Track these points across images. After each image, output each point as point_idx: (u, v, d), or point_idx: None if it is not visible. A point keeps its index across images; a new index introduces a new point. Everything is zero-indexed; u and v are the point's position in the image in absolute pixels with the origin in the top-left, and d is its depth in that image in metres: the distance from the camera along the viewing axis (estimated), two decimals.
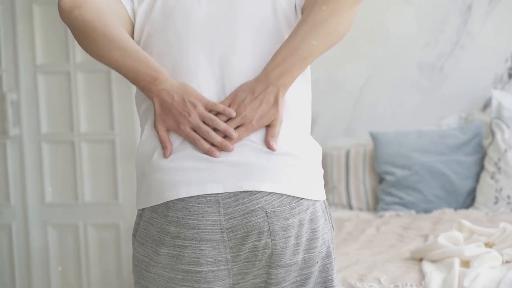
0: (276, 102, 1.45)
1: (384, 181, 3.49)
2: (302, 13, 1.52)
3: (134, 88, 3.77)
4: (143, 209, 1.51)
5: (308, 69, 1.55)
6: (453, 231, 2.64)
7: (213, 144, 1.45)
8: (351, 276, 2.43)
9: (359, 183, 3.60)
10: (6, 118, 3.62)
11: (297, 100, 1.52)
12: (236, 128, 1.45)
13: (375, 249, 2.81)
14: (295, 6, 1.52)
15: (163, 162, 1.47)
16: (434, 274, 2.36)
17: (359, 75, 3.81)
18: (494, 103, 3.49)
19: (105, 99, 3.57)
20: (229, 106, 1.46)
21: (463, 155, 3.46)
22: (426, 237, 2.94)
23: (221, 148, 1.44)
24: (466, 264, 2.43)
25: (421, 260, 2.56)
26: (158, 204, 1.47)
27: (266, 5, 1.51)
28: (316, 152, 1.53)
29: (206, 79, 1.49)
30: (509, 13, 3.66)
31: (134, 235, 1.54)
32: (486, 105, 3.67)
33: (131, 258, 3.57)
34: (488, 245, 2.59)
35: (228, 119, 1.46)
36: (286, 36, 1.49)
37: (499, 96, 3.50)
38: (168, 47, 1.51)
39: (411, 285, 2.35)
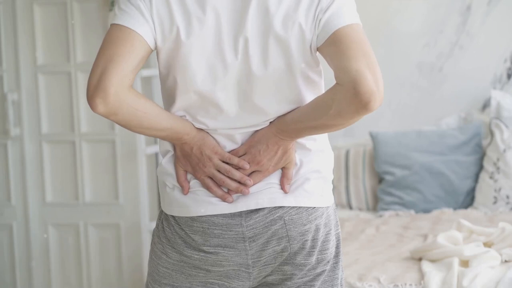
0: (287, 150, 1.56)
1: (384, 181, 3.50)
2: (317, 50, 1.53)
3: (134, 88, 3.76)
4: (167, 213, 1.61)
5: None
6: (452, 231, 2.64)
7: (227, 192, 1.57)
8: (351, 276, 2.44)
9: (359, 183, 3.60)
10: (7, 118, 3.62)
11: None
12: (252, 173, 1.57)
13: (374, 249, 2.81)
14: (311, 47, 1.52)
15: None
16: (433, 274, 2.36)
17: None
18: (493, 103, 3.49)
19: None
20: (244, 154, 1.57)
21: (462, 155, 3.47)
22: (425, 236, 2.94)
23: (238, 191, 1.55)
24: (465, 263, 2.44)
25: (420, 259, 2.57)
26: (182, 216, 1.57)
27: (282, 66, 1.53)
28: (329, 164, 1.63)
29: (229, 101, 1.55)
30: (508, 13, 3.66)
31: (155, 231, 1.62)
32: (485, 105, 3.68)
33: (131, 258, 3.58)
34: (487, 244, 2.60)
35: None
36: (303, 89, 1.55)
37: (498, 96, 3.50)
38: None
39: (411, 285, 2.36)
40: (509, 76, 3.67)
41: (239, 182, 1.55)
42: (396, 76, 3.78)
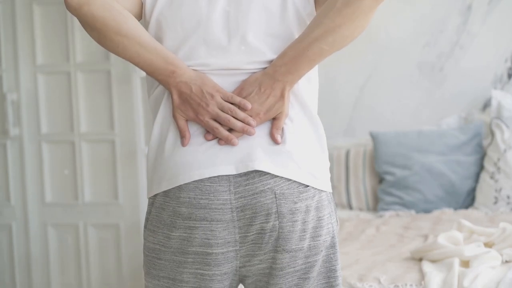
0: (282, 97, 1.49)
1: (384, 181, 3.50)
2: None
3: (134, 88, 3.76)
4: (155, 195, 1.54)
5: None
6: (453, 231, 2.64)
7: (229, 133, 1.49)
8: (351, 276, 2.44)
9: (359, 183, 3.60)
10: (6, 118, 3.62)
11: (306, 92, 1.56)
12: None
13: (375, 249, 2.81)
14: None
15: (177, 147, 1.50)
16: (434, 274, 2.36)
17: (359, 75, 3.81)
18: (493, 103, 3.49)
19: (105, 99, 3.57)
20: None
21: (463, 155, 3.46)
22: (426, 237, 2.94)
23: (243, 132, 1.48)
24: (466, 264, 2.43)
25: (421, 260, 2.56)
26: (171, 188, 1.50)
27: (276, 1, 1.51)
28: (324, 148, 1.57)
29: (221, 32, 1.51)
30: (509, 13, 3.66)
31: (145, 226, 1.57)
32: (486, 105, 3.67)
33: (131, 258, 3.58)
34: (487, 245, 2.60)
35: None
36: (294, 31, 1.51)
37: (498, 96, 3.50)
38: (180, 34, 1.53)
39: (411, 285, 2.35)
40: (509, 76, 3.67)
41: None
42: (396, 76, 3.78)
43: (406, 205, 3.41)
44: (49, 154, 3.67)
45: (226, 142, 1.48)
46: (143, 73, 3.47)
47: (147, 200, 3.88)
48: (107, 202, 3.62)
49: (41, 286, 3.70)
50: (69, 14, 3.56)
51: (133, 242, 3.57)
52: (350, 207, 3.61)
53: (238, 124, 1.48)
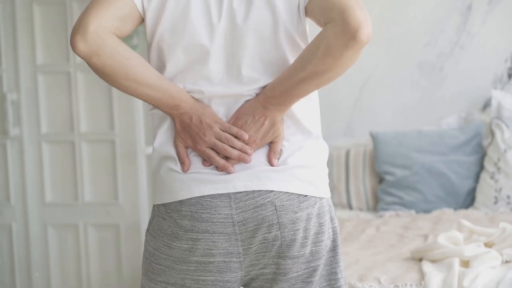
0: (275, 123, 1.55)
1: (384, 181, 3.50)
2: (306, 13, 1.54)
3: None
4: (158, 204, 1.59)
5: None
6: (453, 231, 2.64)
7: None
8: (351, 276, 2.44)
9: (359, 183, 3.60)
10: (6, 118, 3.62)
11: (303, 109, 1.60)
12: None
13: (375, 249, 2.81)
14: (299, 6, 1.54)
15: (177, 166, 1.56)
16: (434, 274, 2.36)
17: (359, 75, 3.81)
18: (493, 103, 3.49)
19: (105, 99, 3.57)
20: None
21: (463, 155, 3.46)
22: (426, 237, 2.94)
23: (239, 160, 1.53)
24: (466, 264, 2.43)
25: (421, 260, 2.56)
26: (172, 201, 1.55)
27: (269, 24, 1.54)
28: (324, 156, 1.61)
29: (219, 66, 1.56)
30: (509, 13, 3.66)
31: (147, 229, 1.62)
32: (486, 105, 3.67)
33: (131, 258, 3.58)
34: (487, 245, 2.60)
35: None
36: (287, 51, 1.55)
37: (498, 96, 3.50)
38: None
39: (411, 285, 2.35)
40: (509, 76, 3.67)
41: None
42: (396, 75, 3.78)
43: (406, 205, 3.41)
44: (49, 154, 3.67)
45: (223, 169, 1.53)
46: None
47: (147, 200, 3.89)
48: (107, 202, 3.62)
49: (41, 286, 3.70)
50: (69, 14, 3.56)
51: (133, 242, 3.57)
52: (350, 207, 3.61)
53: (235, 152, 1.53)
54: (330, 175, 3.64)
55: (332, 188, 3.63)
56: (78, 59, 3.58)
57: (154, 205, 1.61)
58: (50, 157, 3.67)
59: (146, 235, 1.62)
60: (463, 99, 3.71)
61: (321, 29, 1.47)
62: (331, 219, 1.60)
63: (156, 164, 1.60)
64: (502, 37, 3.67)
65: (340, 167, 3.63)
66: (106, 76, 1.51)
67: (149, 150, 3.58)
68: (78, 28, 1.47)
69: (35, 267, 3.69)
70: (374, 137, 3.56)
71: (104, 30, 1.48)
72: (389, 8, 3.78)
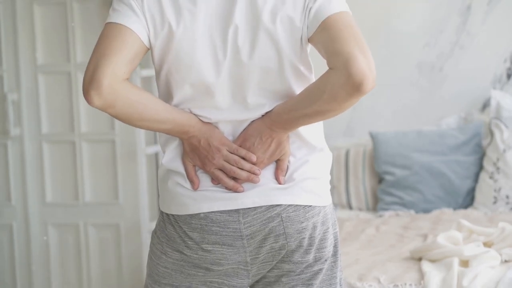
0: (281, 143, 1.59)
1: (384, 181, 3.50)
2: (308, 41, 1.55)
3: None
4: (167, 213, 1.62)
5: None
6: (452, 231, 2.64)
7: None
8: (351, 276, 2.44)
9: (359, 183, 3.60)
10: (7, 118, 3.62)
11: (309, 126, 1.62)
12: None
13: (374, 249, 2.81)
14: (301, 38, 1.55)
15: (186, 182, 1.60)
16: (433, 274, 2.36)
17: None
18: (493, 103, 3.49)
19: None
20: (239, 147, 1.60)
21: (462, 155, 3.47)
22: (425, 237, 2.94)
23: (248, 181, 1.57)
24: (465, 263, 2.44)
25: (420, 259, 2.57)
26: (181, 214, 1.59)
27: (274, 60, 1.56)
28: (328, 166, 1.66)
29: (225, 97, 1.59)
30: (508, 13, 3.66)
31: (155, 232, 1.64)
32: (485, 105, 3.67)
33: (131, 258, 3.58)
34: (487, 244, 2.60)
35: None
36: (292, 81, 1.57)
37: (498, 96, 3.50)
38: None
39: (411, 285, 2.36)
40: (509, 76, 3.67)
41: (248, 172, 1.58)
42: (396, 76, 3.78)
43: (405, 205, 3.42)
44: (49, 154, 3.67)
45: (232, 190, 1.57)
46: (144, 73, 3.48)
47: (147, 200, 3.89)
48: (107, 202, 3.62)
49: (41, 286, 3.70)
50: (69, 14, 3.56)
51: (133, 242, 3.58)
52: (350, 207, 3.61)
53: (244, 174, 1.57)
54: (330, 175, 3.63)
55: (332, 188, 3.63)
56: (79, 59, 3.59)
57: (162, 211, 1.64)
58: (51, 157, 3.67)
59: (153, 237, 1.64)
60: (462, 99, 3.71)
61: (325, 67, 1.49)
62: (333, 225, 1.64)
63: (163, 175, 1.63)
64: (501, 37, 3.67)
65: (340, 167, 3.63)
66: (122, 120, 1.54)
67: (149, 150, 3.58)
68: (92, 83, 1.47)
69: (35, 267, 3.69)
70: (374, 137, 3.56)
71: (117, 80, 1.48)
72: (389, 8, 3.79)
